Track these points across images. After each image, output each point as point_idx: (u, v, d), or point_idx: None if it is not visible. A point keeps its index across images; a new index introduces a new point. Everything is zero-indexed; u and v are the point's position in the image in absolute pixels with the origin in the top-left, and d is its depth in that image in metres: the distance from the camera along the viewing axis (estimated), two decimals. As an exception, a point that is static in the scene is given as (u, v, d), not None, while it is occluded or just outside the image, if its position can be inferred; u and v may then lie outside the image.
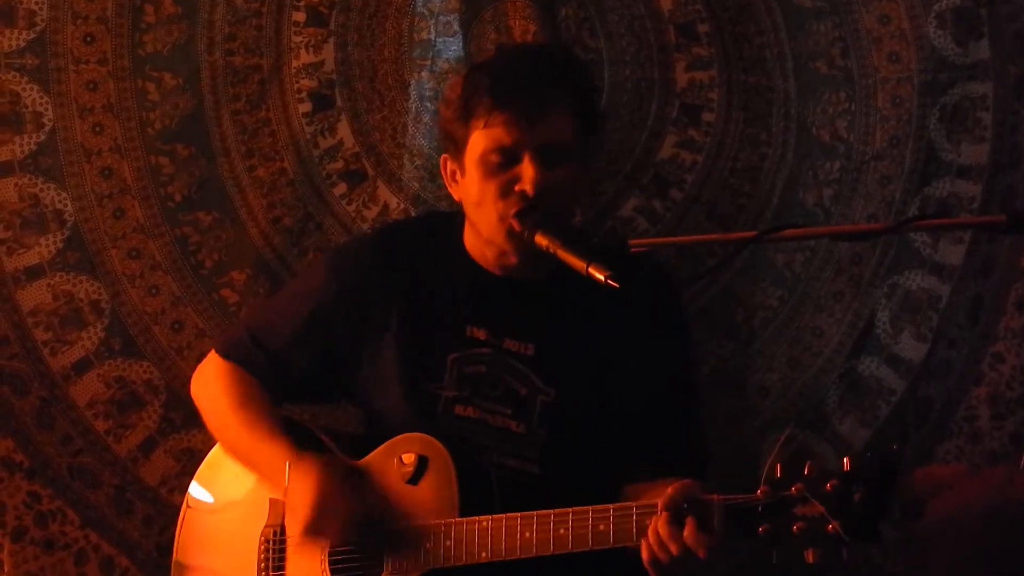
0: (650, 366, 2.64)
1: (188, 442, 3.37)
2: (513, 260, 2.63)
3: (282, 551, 2.66)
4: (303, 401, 2.94)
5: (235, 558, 2.71)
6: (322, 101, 3.43)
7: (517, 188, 2.54)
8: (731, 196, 3.49)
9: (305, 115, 3.42)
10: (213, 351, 2.84)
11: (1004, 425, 3.46)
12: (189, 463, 3.25)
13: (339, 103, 3.43)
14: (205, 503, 2.82)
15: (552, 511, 2.38)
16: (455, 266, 2.70)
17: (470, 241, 2.70)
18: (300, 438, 2.69)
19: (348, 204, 3.44)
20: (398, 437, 2.59)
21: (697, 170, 3.49)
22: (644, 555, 2.30)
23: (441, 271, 2.71)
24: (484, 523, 2.44)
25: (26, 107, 3.33)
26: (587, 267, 2.41)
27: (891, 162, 3.47)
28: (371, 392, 2.72)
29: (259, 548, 2.68)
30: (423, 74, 3.43)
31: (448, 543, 2.47)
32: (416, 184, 3.44)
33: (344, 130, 3.43)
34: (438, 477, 2.52)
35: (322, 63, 3.42)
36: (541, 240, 2.51)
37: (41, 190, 3.35)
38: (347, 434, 2.79)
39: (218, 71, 3.39)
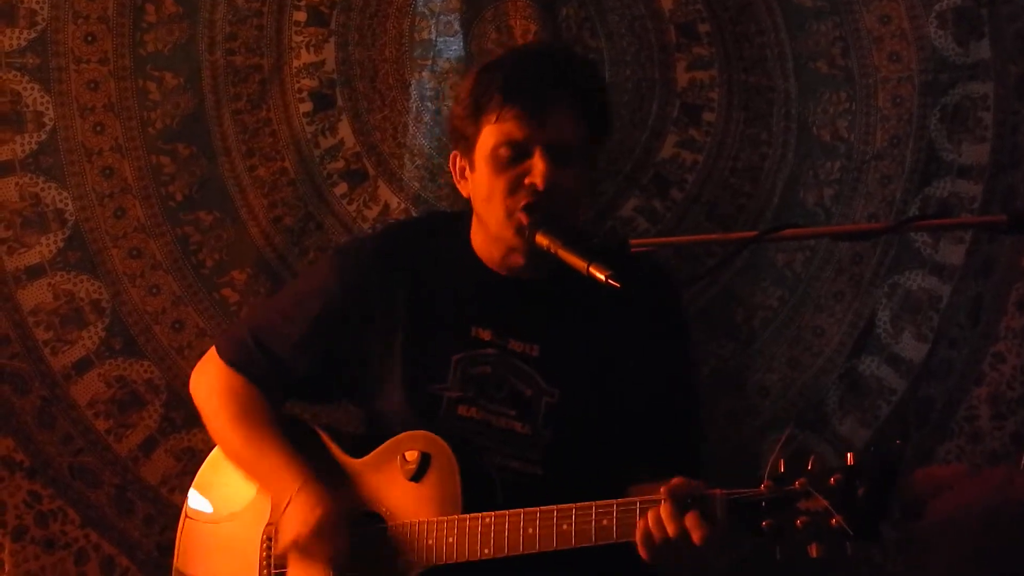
0: (650, 367, 2.64)
1: (189, 441, 3.36)
2: (520, 260, 2.63)
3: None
4: (304, 401, 2.93)
5: (236, 563, 2.71)
6: (323, 101, 3.43)
7: (527, 181, 2.54)
8: (731, 196, 3.49)
9: (306, 115, 3.42)
10: (214, 349, 2.83)
11: (1005, 425, 3.46)
12: (190, 462, 3.26)
13: (340, 103, 3.43)
14: (204, 514, 2.81)
15: (555, 507, 2.38)
16: (460, 266, 2.70)
17: (477, 240, 2.70)
18: (301, 440, 2.69)
19: (349, 204, 3.44)
20: (401, 435, 2.59)
21: (697, 170, 3.49)
22: (638, 535, 2.28)
23: (445, 271, 2.70)
24: (487, 519, 2.44)
25: (27, 106, 3.33)
26: (588, 267, 2.42)
27: (892, 162, 3.47)
28: (373, 392, 2.71)
29: (260, 547, 2.68)
30: (424, 74, 3.43)
31: (451, 539, 2.46)
32: (417, 184, 3.44)
33: (345, 130, 3.43)
34: (441, 474, 2.52)
35: (323, 63, 3.42)
36: (542, 240, 2.51)
37: (42, 189, 3.34)
38: (348, 433, 2.78)
39: (219, 71, 3.39)
